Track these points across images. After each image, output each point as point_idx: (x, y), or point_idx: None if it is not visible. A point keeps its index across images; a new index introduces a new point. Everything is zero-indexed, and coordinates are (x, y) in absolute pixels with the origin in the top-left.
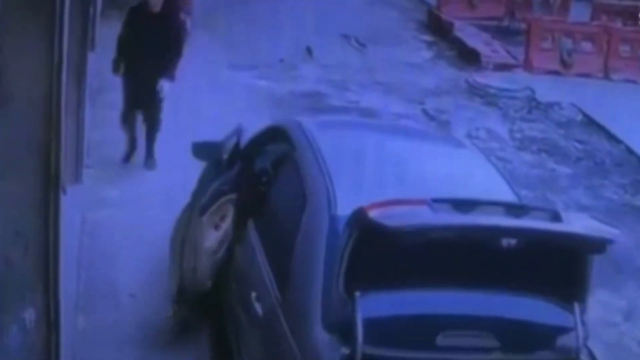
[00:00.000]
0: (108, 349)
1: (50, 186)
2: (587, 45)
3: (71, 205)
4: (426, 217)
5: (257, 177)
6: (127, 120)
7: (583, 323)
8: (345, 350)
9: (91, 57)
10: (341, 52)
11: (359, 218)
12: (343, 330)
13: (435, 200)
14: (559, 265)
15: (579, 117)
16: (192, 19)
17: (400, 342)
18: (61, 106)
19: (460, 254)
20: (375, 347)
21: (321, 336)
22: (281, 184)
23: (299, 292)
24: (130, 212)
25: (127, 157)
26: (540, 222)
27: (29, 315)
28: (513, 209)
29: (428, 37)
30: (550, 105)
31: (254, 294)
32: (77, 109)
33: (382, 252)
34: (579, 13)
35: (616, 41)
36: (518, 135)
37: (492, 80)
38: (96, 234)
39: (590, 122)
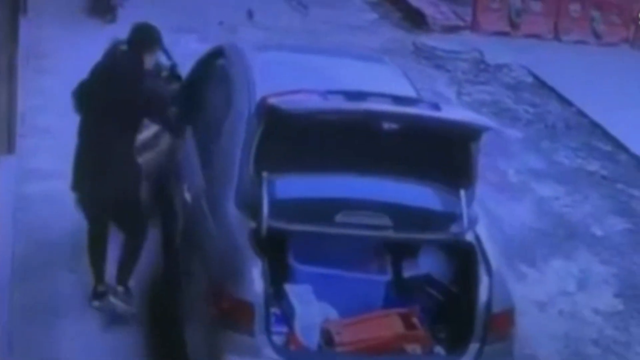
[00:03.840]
0: (45, 322)
1: None
2: (536, 5)
3: (4, 177)
4: (317, 102)
5: (195, 87)
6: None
7: (470, 208)
8: (252, 224)
9: (23, 21)
10: (283, 15)
11: (261, 105)
12: (252, 207)
13: (330, 92)
14: (443, 153)
15: (529, 80)
16: None
17: (302, 218)
18: None
19: (352, 139)
20: (279, 221)
21: (233, 212)
22: (215, 94)
23: (218, 177)
24: (67, 184)
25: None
26: (419, 109)
27: None
28: (399, 100)
29: None
30: (499, 67)
31: (185, 185)
32: (8, 75)
33: (282, 137)
34: None
35: (566, 1)
36: (466, 99)
37: (439, 42)
38: (31, 206)
39: (540, 85)
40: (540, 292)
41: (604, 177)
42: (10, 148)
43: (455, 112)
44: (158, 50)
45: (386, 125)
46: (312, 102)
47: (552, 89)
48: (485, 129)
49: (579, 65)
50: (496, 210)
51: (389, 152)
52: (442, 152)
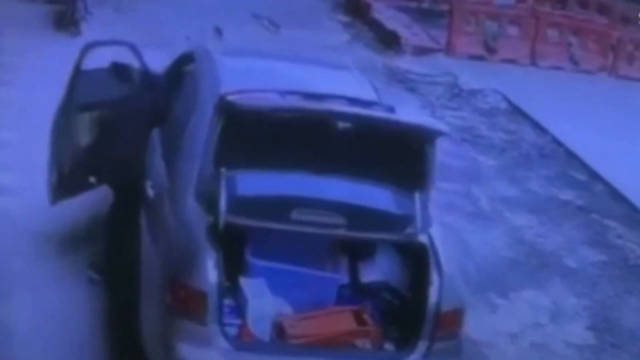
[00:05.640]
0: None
1: None
2: (513, 30)
3: None
4: (275, 100)
5: (162, 90)
6: None
7: (424, 210)
8: (210, 219)
9: None
10: (253, 33)
11: (220, 102)
12: (210, 202)
13: (288, 92)
14: (398, 155)
15: (504, 105)
16: None
17: (258, 214)
18: None
19: (309, 138)
20: (236, 216)
21: (192, 206)
22: (182, 95)
23: (181, 173)
24: (22, 199)
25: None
26: (373, 111)
27: None
28: (355, 102)
29: (345, 18)
30: (473, 92)
31: (149, 183)
32: None
33: (241, 134)
34: None
35: (544, 25)
36: (442, 126)
37: (412, 65)
38: None
39: (515, 111)
40: (512, 323)
41: (578, 207)
42: None
43: (409, 115)
44: None
45: (341, 126)
46: (269, 101)
47: (526, 116)
48: (438, 132)
49: (555, 91)
50: (468, 239)
51: (344, 153)
52: (396, 154)
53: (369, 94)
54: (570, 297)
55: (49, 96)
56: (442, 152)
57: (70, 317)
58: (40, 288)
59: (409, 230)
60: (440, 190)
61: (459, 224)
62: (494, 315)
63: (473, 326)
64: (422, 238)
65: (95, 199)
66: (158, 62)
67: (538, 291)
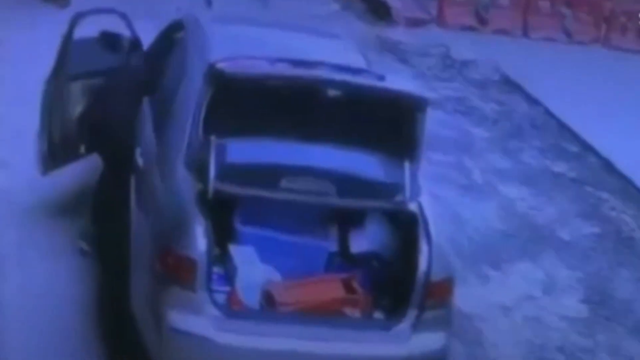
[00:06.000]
0: None
1: None
2: (504, 0)
3: None
4: (264, 67)
5: (154, 58)
6: None
7: (414, 179)
8: (200, 186)
9: None
10: (242, 3)
11: (209, 69)
12: (200, 170)
13: (278, 59)
14: (387, 123)
15: (496, 77)
16: None
17: (248, 182)
18: None
19: (298, 106)
20: (226, 184)
21: (182, 173)
22: (173, 64)
23: (170, 140)
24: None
25: None
26: (363, 78)
27: None
28: (344, 69)
29: None
30: (465, 63)
31: (139, 150)
32: None
33: (230, 101)
34: None
35: None
36: (431, 95)
37: (403, 36)
38: None
39: (507, 82)
40: (505, 296)
41: (571, 179)
42: None
43: (398, 83)
44: None
45: (331, 93)
46: (258, 68)
47: (519, 87)
48: (426, 100)
49: (547, 63)
50: (460, 211)
51: (334, 120)
52: (386, 122)
53: (359, 63)
54: (563, 270)
55: (38, 70)
56: (434, 123)
57: (62, 290)
58: (31, 261)
59: (398, 198)
60: (432, 161)
61: (451, 196)
62: (486, 288)
63: (466, 299)
64: (412, 206)
65: (84, 169)
66: (148, 33)
67: (531, 263)
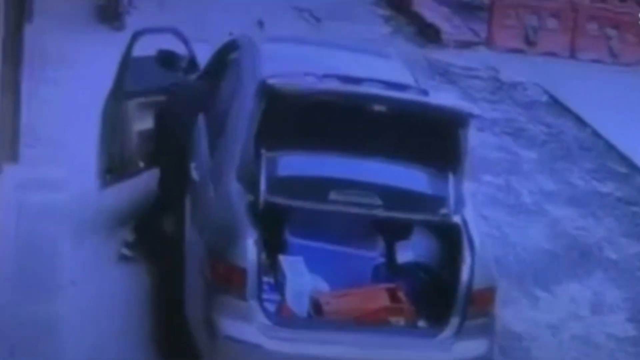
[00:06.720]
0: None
1: None
2: (552, 22)
3: (7, 185)
4: (312, 83)
5: (209, 76)
6: None
7: (457, 191)
8: (251, 197)
9: (29, 28)
10: (294, 27)
11: (261, 85)
12: (251, 183)
13: (325, 75)
14: (432, 137)
15: (544, 99)
16: None
17: (297, 195)
18: None
19: (346, 120)
20: (276, 196)
21: (234, 186)
22: (227, 81)
23: (224, 155)
24: (68, 194)
25: None
26: (408, 94)
27: None
28: (390, 85)
29: (385, 12)
30: (513, 85)
31: (193, 164)
32: (14, 83)
33: (280, 116)
34: None
35: (583, 18)
36: (477, 112)
37: (453, 58)
38: (32, 215)
39: (555, 104)
40: (553, 316)
41: (618, 199)
42: (14, 157)
43: (441, 98)
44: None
45: (377, 108)
46: (307, 83)
47: (567, 109)
48: (469, 114)
49: (594, 84)
50: (509, 231)
51: (380, 134)
52: (430, 136)
53: (407, 81)
54: (610, 289)
55: (95, 91)
56: (483, 145)
57: (116, 302)
58: (84, 271)
59: (442, 210)
60: (482, 182)
61: (500, 217)
62: (535, 308)
63: (515, 319)
64: (456, 218)
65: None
66: (201, 55)
67: (579, 283)
